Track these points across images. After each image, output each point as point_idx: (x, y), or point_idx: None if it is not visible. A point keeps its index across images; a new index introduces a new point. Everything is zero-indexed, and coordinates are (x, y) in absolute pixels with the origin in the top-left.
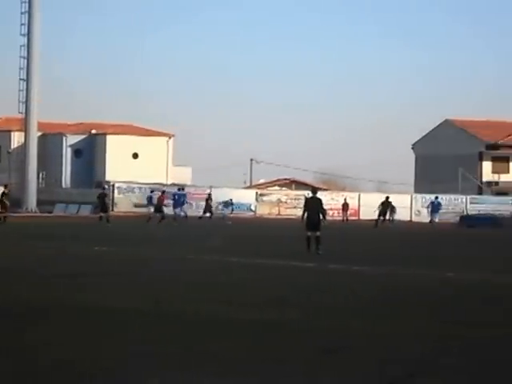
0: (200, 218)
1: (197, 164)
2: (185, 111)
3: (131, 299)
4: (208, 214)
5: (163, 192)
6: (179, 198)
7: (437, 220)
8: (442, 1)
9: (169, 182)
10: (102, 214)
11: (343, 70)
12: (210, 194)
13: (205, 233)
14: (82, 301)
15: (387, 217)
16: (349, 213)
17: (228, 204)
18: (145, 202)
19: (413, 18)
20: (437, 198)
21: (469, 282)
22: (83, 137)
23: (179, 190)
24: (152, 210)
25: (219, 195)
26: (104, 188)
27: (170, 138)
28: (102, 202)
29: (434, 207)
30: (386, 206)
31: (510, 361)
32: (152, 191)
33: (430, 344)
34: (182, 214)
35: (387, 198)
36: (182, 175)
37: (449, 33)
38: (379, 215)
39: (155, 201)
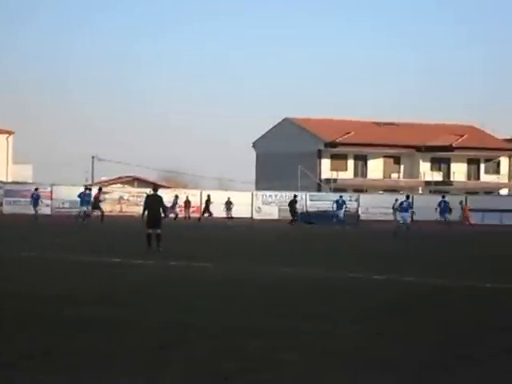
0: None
1: (38, 161)
2: (26, 108)
3: None
4: (206, 215)
5: (100, 189)
6: (85, 197)
7: (342, 216)
8: None
9: (9, 180)
10: None
11: (182, 67)
12: (209, 195)
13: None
14: None
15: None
16: (191, 210)
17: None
18: None
19: (246, 15)
20: (341, 196)
21: (306, 277)
22: None
23: (85, 189)
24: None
25: (62, 193)
26: None
27: (9, 135)
28: None
29: (339, 205)
30: (294, 204)
31: (342, 355)
32: (36, 189)
33: (268, 339)
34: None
35: (295, 196)
36: (23, 173)
37: (284, 30)
38: (292, 214)
39: (41, 199)
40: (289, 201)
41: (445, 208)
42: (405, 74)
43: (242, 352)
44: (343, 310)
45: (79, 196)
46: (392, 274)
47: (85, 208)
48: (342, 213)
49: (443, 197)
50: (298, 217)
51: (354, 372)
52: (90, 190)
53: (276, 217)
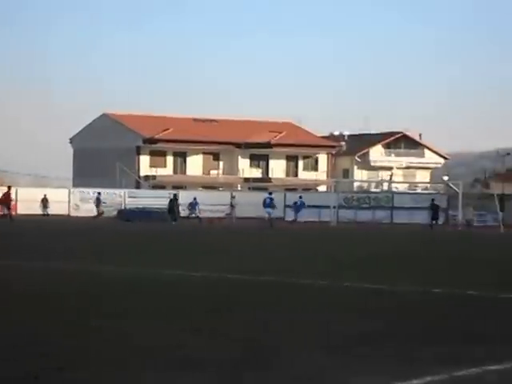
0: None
1: None
2: None
3: None
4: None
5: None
6: None
7: (268, 216)
8: None
9: None
10: None
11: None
12: (175, 195)
13: None
14: None
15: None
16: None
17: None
18: None
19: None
20: (271, 193)
21: (122, 275)
22: None
23: None
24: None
25: None
26: None
27: None
28: None
29: (267, 204)
30: (173, 204)
31: (160, 353)
32: None
33: (81, 338)
34: None
35: (175, 195)
36: None
37: (104, 24)
38: (169, 212)
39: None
40: (169, 199)
41: (300, 207)
42: (225, 71)
43: (55, 351)
44: (162, 307)
45: None
46: (209, 271)
47: None
48: (271, 212)
49: (300, 197)
50: (176, 216)
51: (171, 370)
52: None
53: (94, 214)
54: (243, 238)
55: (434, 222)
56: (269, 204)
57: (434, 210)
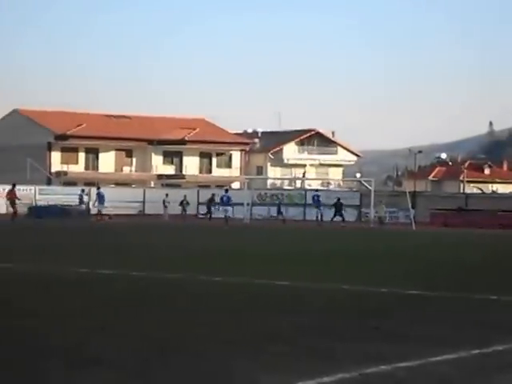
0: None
1: None
2: None
3: None
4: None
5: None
6: None
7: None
8: None
9: None
10: None
11: None
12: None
13: None
14: None
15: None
16: None
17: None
18: None
19: None
20: (227, 190)
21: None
22: None
23: None
24: None
25: None
26: None
27: None
28: None
29: (224, 202)
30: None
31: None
32: None
33: None
34: None
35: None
36: None
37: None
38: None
39: None
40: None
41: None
42: (135, 70)
43: None
44: (69, 307)
45: None
46: (121, 268)
47: None
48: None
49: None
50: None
51: (76, 369)
52: None
53: (4, 211)
54: (159, 235)
55: (335, 218)
56: (227, 202)
57: (338, 207)
